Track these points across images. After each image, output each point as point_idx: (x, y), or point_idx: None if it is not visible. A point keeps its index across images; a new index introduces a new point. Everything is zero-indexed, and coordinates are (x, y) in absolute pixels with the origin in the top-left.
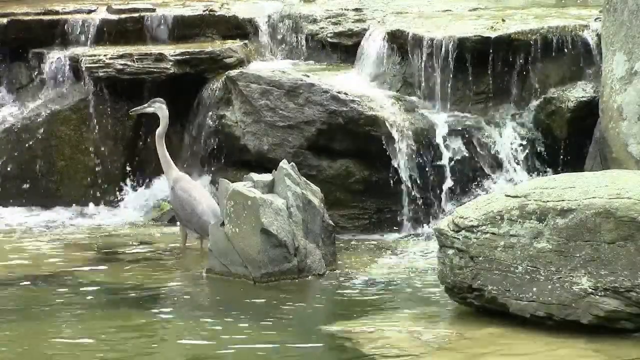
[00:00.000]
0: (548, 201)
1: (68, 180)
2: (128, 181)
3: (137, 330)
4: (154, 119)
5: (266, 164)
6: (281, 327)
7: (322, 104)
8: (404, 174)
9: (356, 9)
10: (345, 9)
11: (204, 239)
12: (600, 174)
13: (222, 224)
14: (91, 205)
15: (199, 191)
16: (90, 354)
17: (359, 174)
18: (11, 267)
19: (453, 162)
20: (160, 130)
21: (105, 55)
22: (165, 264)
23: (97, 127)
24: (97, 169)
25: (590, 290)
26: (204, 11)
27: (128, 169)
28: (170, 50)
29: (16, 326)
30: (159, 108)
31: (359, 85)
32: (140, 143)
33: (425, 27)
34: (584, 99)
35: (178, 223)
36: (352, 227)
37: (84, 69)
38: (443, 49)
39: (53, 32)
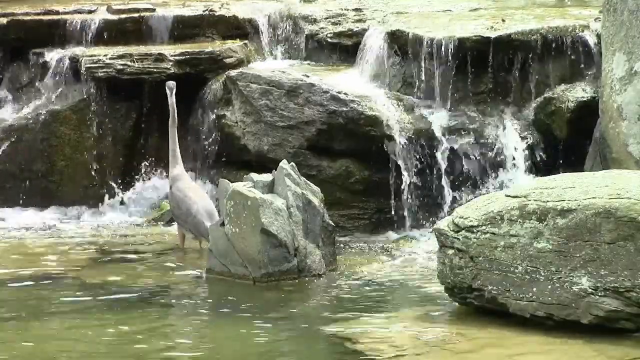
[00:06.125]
0: (548, 201)
1: (68, 180)
2: (128, 181)
3: (136, 331)
4: (154, 119)
5: (266, 164)
6: (281, 327)
7: (322, 104)
8: (404, 174)
9: (356, 9)
10: (345, 9)
11: (202, 240)
12: (600, 174)
13: (222, 224)
14: (91, 205)
15: (195, 191)
16: (89, 355)
17: (359, 174)
18: (11, 267)
19: (453, 162)
20: (170, 121)
21: (105, 56)
22: (165, 264)
23: (97, 127)
24: (97, 169)
25: (590, 290)
26: (204, 11)
27: (128, 169)
28: (170, 50)
29: (15, 327)
30: (167, 90)
31: (359, 85)
32: (140, 143)
33: (425, 27)
34: (584, 99)
35: (176, 223)
36: (352, 227)
37: (84, 69)
38: (443, 49)
39: (53, 32)
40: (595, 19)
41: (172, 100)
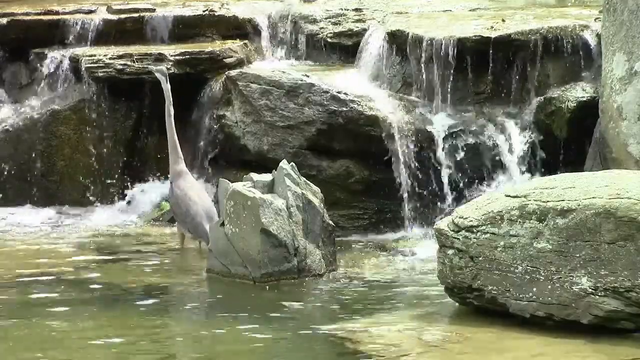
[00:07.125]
0: (548, 201)
1: (68, 180)
2: (128, 181)
3: (136, 331)
4: (154, 119)
5: (266, 164)
6: (281, 327)
7: (322, 104)
8: (404, 174)
9: (356, 9)
10: (345, 9)
11: (200, 240)
12: (600, 174)
13: (222, 224)
14: (91, 205)
15: (196, 191)
16: (88, 355)
17: (359, 174)
18: (10, 267)
19: (453, 162)
20: (166, 111)
21: (105, 55)
22: (165, 264)
23: (97, 127)
24: (97, 169)
25: (590, 290)
26: (204, 11)
27: (128, 169)
28: (170, 50)
29: (14, 327)
30: (160, 77)
31: (359, 85)
32: (140, 143)
33: (425, 27)
34: (584, 99)
35: (176, 223)
36: (352, 227)
37: (84, 69)
38: (443, 49)
39: (53, 32)
40: (595, 19)
41: (167, 87)
